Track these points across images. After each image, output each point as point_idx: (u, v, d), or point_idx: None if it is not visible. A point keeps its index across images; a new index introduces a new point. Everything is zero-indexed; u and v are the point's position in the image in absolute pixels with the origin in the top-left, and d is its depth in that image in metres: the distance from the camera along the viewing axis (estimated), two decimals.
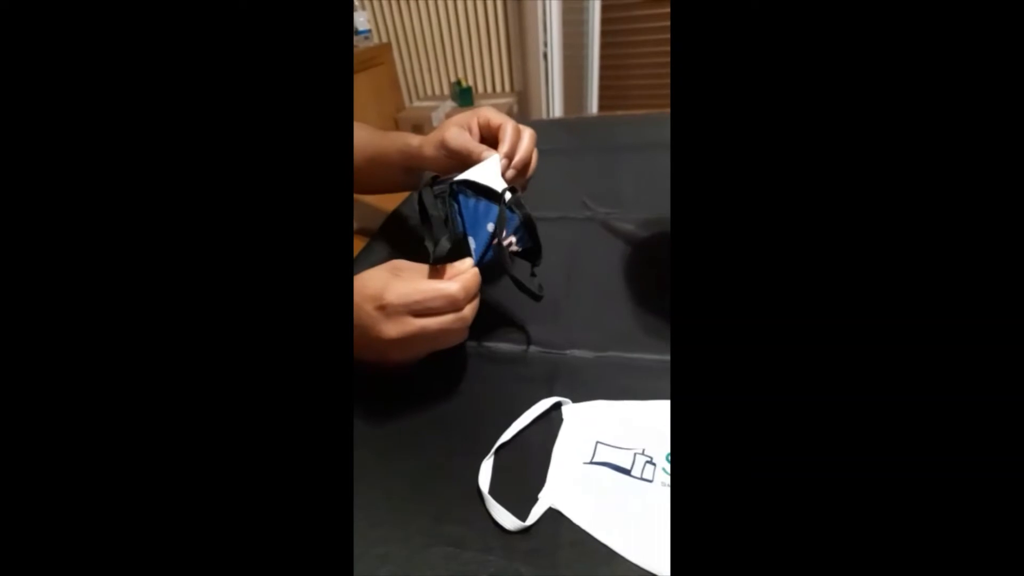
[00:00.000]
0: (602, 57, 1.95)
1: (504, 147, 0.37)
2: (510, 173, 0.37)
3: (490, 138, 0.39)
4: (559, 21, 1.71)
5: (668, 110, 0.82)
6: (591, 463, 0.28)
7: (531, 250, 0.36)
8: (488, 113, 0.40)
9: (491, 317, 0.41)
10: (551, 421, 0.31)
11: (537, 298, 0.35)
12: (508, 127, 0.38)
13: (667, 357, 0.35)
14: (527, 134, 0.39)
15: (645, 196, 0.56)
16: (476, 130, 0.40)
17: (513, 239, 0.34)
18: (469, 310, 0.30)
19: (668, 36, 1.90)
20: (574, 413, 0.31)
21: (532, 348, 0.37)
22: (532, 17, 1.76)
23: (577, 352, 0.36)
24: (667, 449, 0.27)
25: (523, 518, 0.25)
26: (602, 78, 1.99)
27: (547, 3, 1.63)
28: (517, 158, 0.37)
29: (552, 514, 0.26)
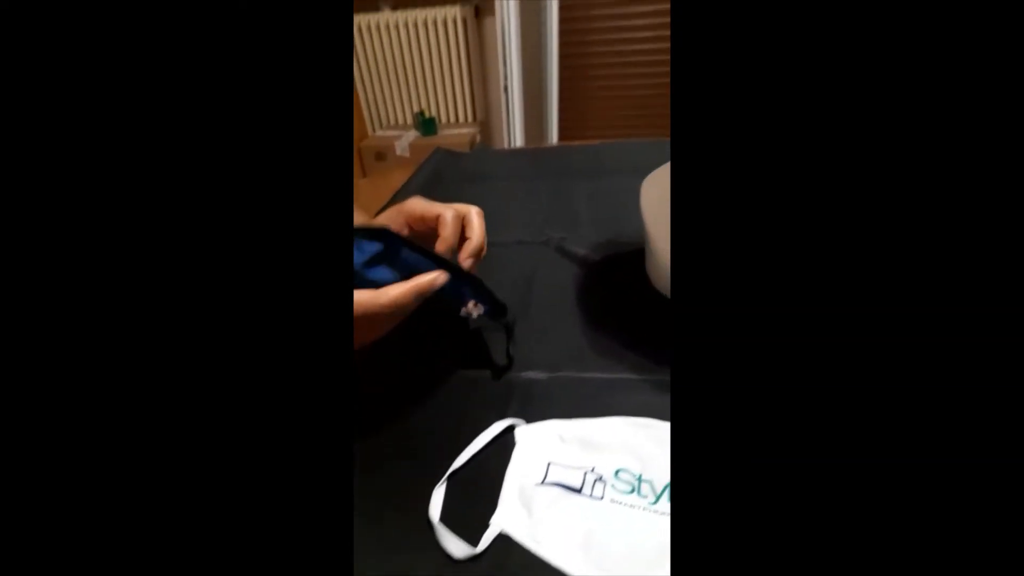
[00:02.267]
0: (561, 90, 2.02)
1: (445, 240, 0.33)
2: (469, 263, 0.34)
3: (425, 231, 0.35)
4: (518, 56, 1.78)
5: (624, 139, 0.86)
6: (542, 484, 0.28)
7: (495, 310, 0.36)
8: (417, 206, 0.35)
9: (445, 341, 0.41)
10: (505, 444, 0.31)
11: (505, 368, 0.36)
12: (447, 217, 0.33)
13: (617, 375, 0.36)
14: (475, 215, 0.35)
15: (598, 220, 0.58)
16: (404, 230, 0.35)
17: (474, 305, 0.34)
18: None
19: (627, 71, 2.00)
20: (527, 434, 0.31)
21: (485, 370, 0.37)
22: (493, 51, 1.83)
23: (531, 373, 0.37)
24: (616, 465, 0.28)
25: (475, 544, 0.25)
26: (561, 110, 2.06)
27: (506, 39, 1.70)
28: (473, 245, 0.34)
29: (503, 539, 0.26)
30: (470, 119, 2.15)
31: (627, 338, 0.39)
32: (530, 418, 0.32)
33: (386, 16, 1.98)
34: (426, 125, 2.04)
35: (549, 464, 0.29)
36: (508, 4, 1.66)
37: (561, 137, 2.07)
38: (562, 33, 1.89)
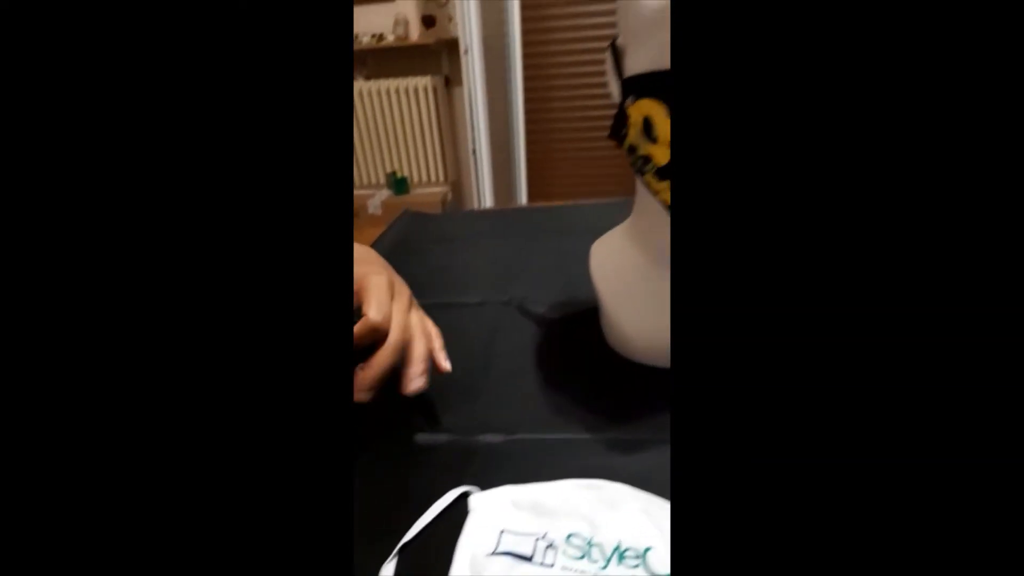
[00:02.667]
0: (528, 154, 2.13)
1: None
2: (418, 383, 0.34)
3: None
4: (486, 123, 1.88)
5: (588, 201, 0.90)
6: (494, 554, 0.27)
7: None
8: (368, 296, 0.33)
9: (403, 407, 0.41)
10: (460, 513, 0.31)
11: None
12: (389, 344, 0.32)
13: (573, 436, 0.36)
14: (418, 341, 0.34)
15: (560, 279, 0.60)
16: None
17: (361, 367, 0.35)
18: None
19: (589, 135, 2.14)
20: (481, 502, 0.31)
21: (444, 435, 0.37)
22: (462, 117, 1.92)
23: (488, 437, 0.37)
24: (568, 530, 0.28)
25: None
26: (529, 172, 2.16)
27: (474, 107, 1.80)
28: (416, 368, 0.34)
29: None
30: (441, 179, 2.22)
31: (583, 397, 0.40)
32: (487, 483, 0.32)
33: (359, 84, 2.09)
34: (398, 185, 2.10)
35: (502, 532, 0.28)
36: (475, 76, 1.78)
37: (530, 198, 2.15)
38: (527, 101, 2.02)
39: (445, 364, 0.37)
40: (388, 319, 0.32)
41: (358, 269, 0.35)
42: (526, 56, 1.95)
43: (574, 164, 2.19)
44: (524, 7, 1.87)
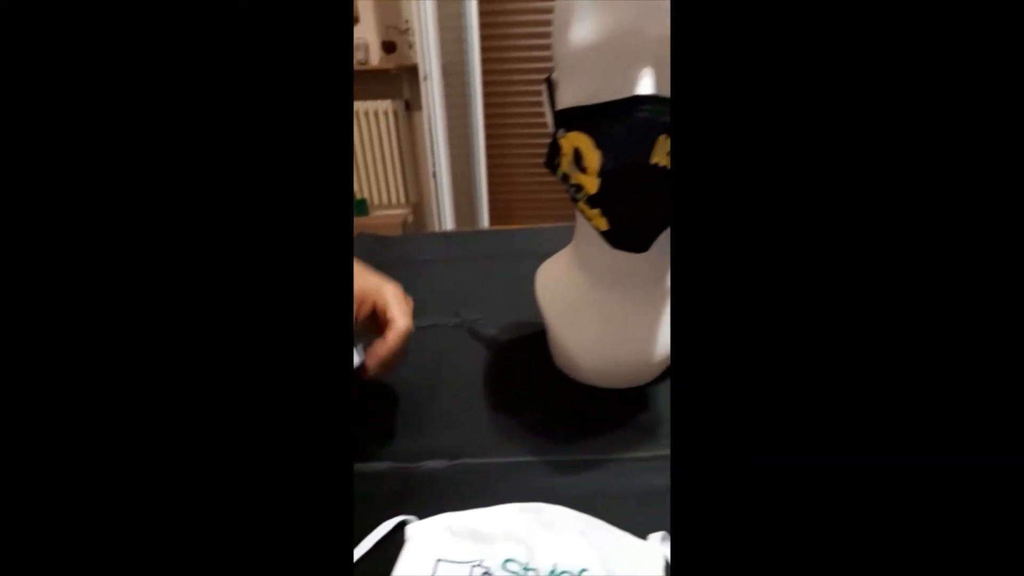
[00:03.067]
0: (490, 178, 2.16)
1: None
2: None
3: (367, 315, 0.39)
4: (445, 147, 1.90)
5: (550, 224, 0.92)
6: None
7: None
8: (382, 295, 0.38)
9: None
10: (396, 543, 0.30)
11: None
12: (399, 326, 0.37)
13: (516, 459, 0.36)
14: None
15: (512, 302, 0.60)
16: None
17: None
18: None
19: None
20: (418, 531, 0.30)
21: (385, 463, 0.37)
22: (423, 141, 1.94)
23: (431, 463, 0.36)
24: (504, 555, 0.28)
25: None
26: (491, 196, 2.18)
27: (433, 131, 1.82)
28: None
29: None
30: (403, 201, 2.22)
31: (529, 419, 0.40)
32: (428, 511, 0.31)
33: None
34: (357, 206, 2.08)
35: (438, 561, 0.28)
36: (434, 102, 1.80)
37: (492, 221, 2.17)
38: (488, 127, 2.06)
39: (376, 371, 0.36)
40: (411, 327, 0.38)
41: (373, 279, 0.40)
42: (486, 84, 2.00)
43: (537, 188, 2.23)
44: (484, 37, 1.92)
